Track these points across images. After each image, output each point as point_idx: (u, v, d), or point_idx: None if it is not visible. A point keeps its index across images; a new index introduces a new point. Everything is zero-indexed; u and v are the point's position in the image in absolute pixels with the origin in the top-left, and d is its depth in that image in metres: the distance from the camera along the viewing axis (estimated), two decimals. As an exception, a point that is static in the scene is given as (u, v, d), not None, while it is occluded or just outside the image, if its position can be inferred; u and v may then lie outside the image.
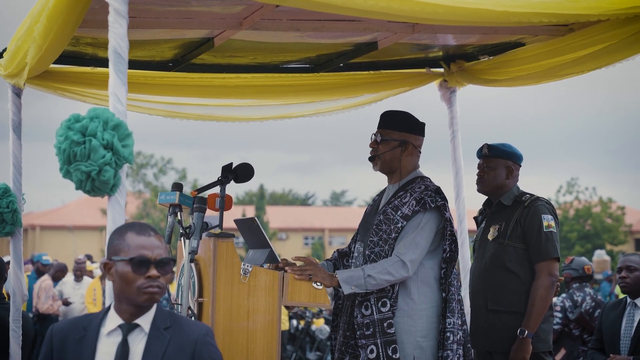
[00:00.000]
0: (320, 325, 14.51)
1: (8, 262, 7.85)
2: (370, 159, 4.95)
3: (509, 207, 5.44)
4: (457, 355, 4.74)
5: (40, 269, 13.58)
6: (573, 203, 44.61)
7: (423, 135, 4.98)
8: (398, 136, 4.90)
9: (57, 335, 3.18)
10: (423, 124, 4.99)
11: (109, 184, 3.52)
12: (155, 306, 3.16)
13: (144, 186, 52.29)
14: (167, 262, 3.11)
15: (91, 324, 3.16)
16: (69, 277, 13.63)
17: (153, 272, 3.08)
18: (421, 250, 4.72)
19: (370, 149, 4.95)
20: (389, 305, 4.71)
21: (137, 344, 3.11)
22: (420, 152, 4.97)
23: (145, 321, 3.14)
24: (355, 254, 4.98)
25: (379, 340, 4.69)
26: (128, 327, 3.12)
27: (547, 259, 5.26)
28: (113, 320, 3.15)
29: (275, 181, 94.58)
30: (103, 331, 3.14)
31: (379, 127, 4.95)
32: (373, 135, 4.95)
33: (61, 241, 50.96)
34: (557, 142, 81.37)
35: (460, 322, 4.80)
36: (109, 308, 3.19)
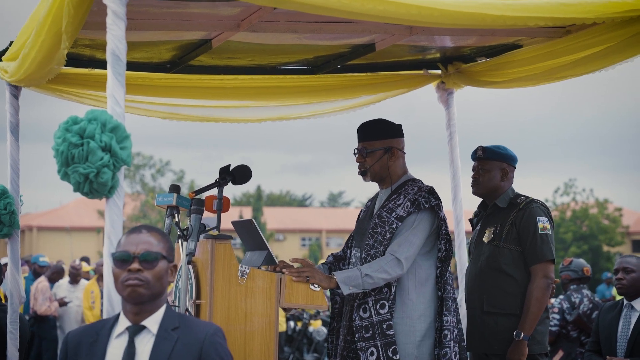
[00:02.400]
0: (317, 327, 14.50)
1: (5, 264, 7.84)
2: (360, 173, 4.99)
3: (504, 209, 5.45)
4: (454, 353, 4.78)
5: (37, 271, 13.55)
6: (570, 204, 44.56)
7: (403, 135, 5.06)
8: (381, 144, 4.96)
9: (72, 341, 3.22)
10: (400, 126, 5.06)
11: (107, 186, 3.52)
12: (164, 307, 3.19)
13: (141, 187, 52.20)
14: (152, 256, 3.13)
15: (104, 328, 3.20)
16: (65, 279, 13.60)
17: (133, 265, 3.12)
18: (415, 248, 4.75)
19: (358, 163, 4.99)
20: (387, 307, 4.73)
21: (145, 345, 3.13)
22: (404, 153, 5.03)
23: (152, 322, 3.16)
24: (353, 260, 5.01)
25: (378, 342, 4.70)
26: (135, 329, 3.15)
27: (543, 261, 5.27)
28: (122, 322, 3.19)
29: (273, 182, 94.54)
30: (113, 334, 3.18)
31: (360, 141, 5.00)
32: (356, 150, 4.99)
33: (58, 242, 50.88)
34: (554, 143, 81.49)
35: (455, 320, 4.85)
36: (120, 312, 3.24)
